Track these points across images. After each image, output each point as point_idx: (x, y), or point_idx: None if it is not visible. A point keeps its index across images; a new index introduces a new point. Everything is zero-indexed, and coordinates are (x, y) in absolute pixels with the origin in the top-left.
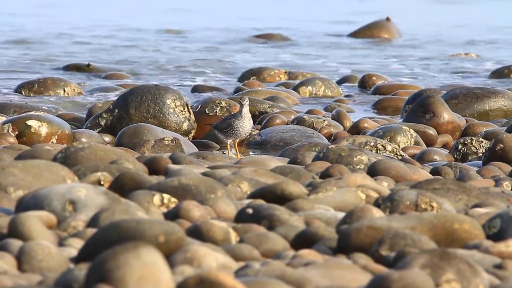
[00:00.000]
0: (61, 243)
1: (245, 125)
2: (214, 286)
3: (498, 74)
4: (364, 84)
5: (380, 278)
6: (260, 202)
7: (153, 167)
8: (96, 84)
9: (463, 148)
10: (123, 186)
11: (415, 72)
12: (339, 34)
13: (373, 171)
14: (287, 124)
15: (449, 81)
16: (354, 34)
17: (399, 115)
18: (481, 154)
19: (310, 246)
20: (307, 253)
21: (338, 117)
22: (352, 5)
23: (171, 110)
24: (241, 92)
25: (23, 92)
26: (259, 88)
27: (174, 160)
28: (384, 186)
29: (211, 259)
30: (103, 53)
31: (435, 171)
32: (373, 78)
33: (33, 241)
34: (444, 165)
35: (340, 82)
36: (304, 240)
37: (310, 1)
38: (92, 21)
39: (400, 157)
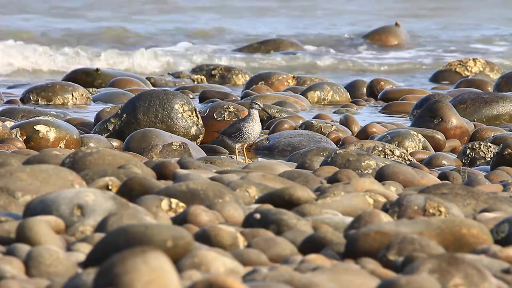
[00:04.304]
0: (69, 248)
1: (255, 128)
2: None
3: (506, 79)
4: (372, 89)
5: (388, 283)
6: (268, 207)
7: (161, 172)
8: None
9: (471, 153)
10: (131, 191)
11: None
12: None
13: (381, 176)
14: (295, 129)
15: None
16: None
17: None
18: (489, 159)
19: (318, 251)
20: (315, 258)
21: (346, 122)
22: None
23: (179, 115)
24: (249, 97)
25: (31, 97)
26: (268, 93)
27: (182, 165)
28: (392, 191)
29: (219, 264)
30: None
31: (443, 176)
32: (381, 83)
33: (41, 246)
34: (452, 170)
35: (348, 87)
36: (312, 245)
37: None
38: None
39: (408, 162)
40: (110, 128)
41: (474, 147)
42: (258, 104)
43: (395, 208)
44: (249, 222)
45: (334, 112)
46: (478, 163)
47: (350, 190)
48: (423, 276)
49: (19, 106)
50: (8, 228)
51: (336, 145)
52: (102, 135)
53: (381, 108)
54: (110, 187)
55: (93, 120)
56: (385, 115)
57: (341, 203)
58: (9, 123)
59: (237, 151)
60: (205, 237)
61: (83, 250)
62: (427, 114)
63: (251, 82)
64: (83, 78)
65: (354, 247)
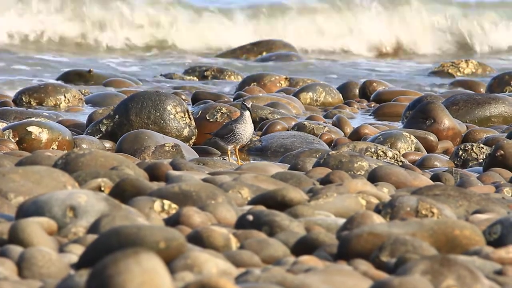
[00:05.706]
0: (61, 249)
1: (247, 129)
2: None
3: (499, 80)
4: (365, 90)
5: (380, 285)
6: (261, 208)
7: (154, 173)
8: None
9: (463, 154)
10: (123, 193)
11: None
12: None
13: (374, 177)
14: (287, 130)
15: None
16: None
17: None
18: (481, 160)
19: (311, 252)
20: (307, 259)
21: (338, 123)
22: None
23: (172, 116)
24: (241, 98)
25: (23, 99)
26: (260, 94)
27: (175, 166)
28: (385, 192)
29: (212, 265)
30: None
31: (435, 177)
32: (374, 84)
33: (33, 247)
34: (444, 171)
35: (340, 88)
36: (304, 246)
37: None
38: None
39: (400, 163)
40: (103, 129)
41: (467, 148)
42: (245, 104)
43: (387, 209)
44: (241, 223)
45: (325, 116)
46: (470, 164)
47: (343, 192)
48: (416, 277)
49: (11, 107)
50: (1, 230)
51: (329, 147)
52: (94, 136)
53: (372, 110)
54: (102, 189)
55: (85, 122)
56: (375, 117)
57: (333, 205)
58: (2, 125)
59: (229, 152)
60: (198, 239)
61: (76, 252)
62: (419, 115)
63: (243, 83)
64: (76, 79)
65: (347, 248)
